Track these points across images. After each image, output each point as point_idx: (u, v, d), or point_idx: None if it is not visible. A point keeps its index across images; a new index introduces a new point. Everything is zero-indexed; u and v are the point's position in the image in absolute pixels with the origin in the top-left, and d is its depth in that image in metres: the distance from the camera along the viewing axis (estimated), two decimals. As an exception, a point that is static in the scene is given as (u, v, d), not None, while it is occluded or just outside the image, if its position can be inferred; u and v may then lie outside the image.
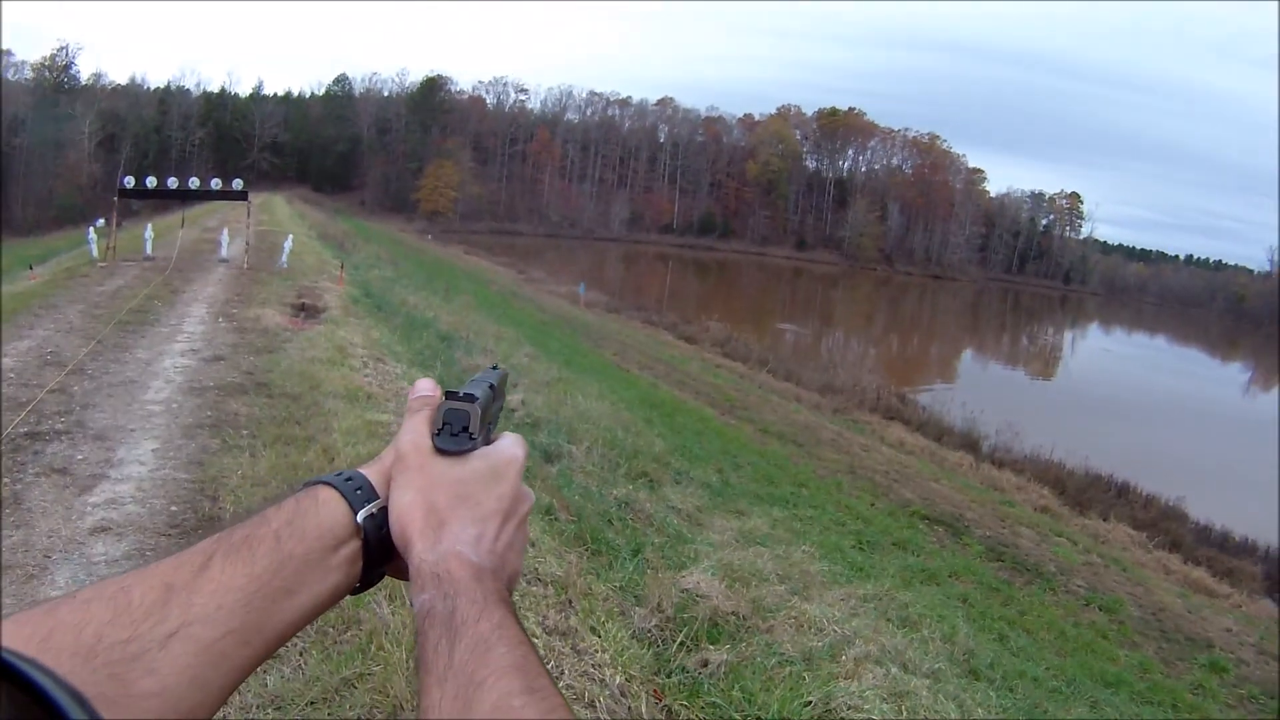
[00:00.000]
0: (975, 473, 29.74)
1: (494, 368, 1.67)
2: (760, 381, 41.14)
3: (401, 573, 1.31)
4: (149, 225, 39.41)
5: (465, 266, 77.38)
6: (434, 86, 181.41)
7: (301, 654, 6.52)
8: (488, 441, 1.41)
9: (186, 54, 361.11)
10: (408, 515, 1.28)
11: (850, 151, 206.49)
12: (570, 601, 8.14)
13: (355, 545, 1.28)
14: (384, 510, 1.31)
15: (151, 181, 38.28)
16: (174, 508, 9.11)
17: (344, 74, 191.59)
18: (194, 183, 38.61)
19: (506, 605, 1.19)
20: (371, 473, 1.35)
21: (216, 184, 38.79)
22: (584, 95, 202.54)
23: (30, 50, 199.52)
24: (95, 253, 35.72)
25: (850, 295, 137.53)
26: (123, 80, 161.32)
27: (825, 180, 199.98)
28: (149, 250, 36.59)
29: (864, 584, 11.81)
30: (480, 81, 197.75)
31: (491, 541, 1.29)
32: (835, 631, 8.81)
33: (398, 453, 1.36)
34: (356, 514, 1.28)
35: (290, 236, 39.25)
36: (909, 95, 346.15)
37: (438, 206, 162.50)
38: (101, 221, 40.86)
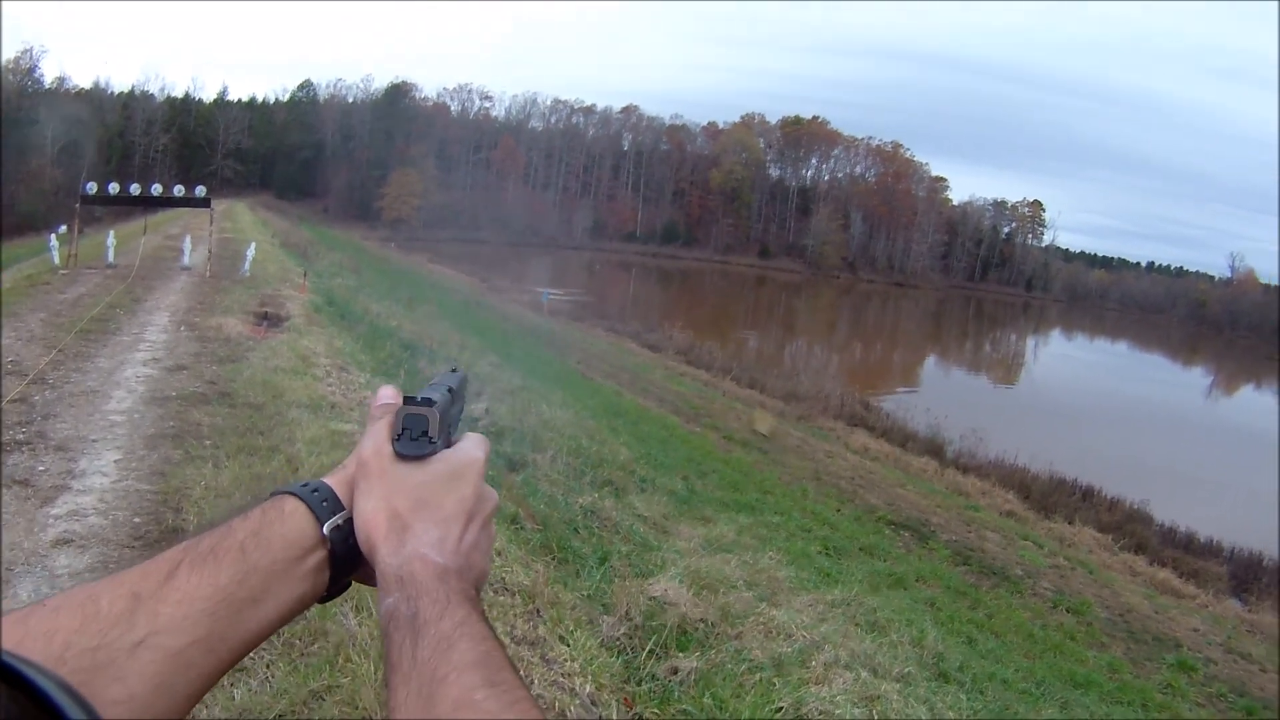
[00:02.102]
0: (940, 478, 29.95)
1: (453, 370, 1.69)
2: (724, 389, 41.30)
3: (369, 579, 1.31)
4: (111, 232, 39.32)
5: (429, 275, 77.40)
6: (399, 93, 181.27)
7: (269, 666, 6.49)
8: (449, 444, 1.42)
9: (150, 57, 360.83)
10: (371, 521, 1.29)
11: (814, 160, 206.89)
12: (538, 610, 8.12)
13: (321, 555, 1.28)
14: (350, 521, 1.31)
15: (114, 188, 38.20)
16: (137, 519, 9.07)
17: (309, 80, 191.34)
18: (156, 189, 38.29)
19: (471, 603, 1.20)
20: (335, 482, 1.35)
21: (179, 191, 38.52)
22: (548, 103, 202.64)
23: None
24: (57, 260, 35.58)
25: (813, 303, 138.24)
26: (86, 84, 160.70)
27: (789, 189, 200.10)
28: (111, 258, 36.46)
29: (832, 589, 11.83)
30: (445, 88, 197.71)
31: (455, 542, 1.29)
32: (804, 637, 8.82)
33: (360, 460, 1.37)
34: (322, 525, 1.29)
35: (253, 244, 39.20)
36: (872, 104, 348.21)
37: (401, 214, 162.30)
38: (63, 228, 40.70)
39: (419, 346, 24.27)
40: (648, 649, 7.91)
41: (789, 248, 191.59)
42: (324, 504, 1.31)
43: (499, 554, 9.27)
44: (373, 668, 6.39)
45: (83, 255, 36.72)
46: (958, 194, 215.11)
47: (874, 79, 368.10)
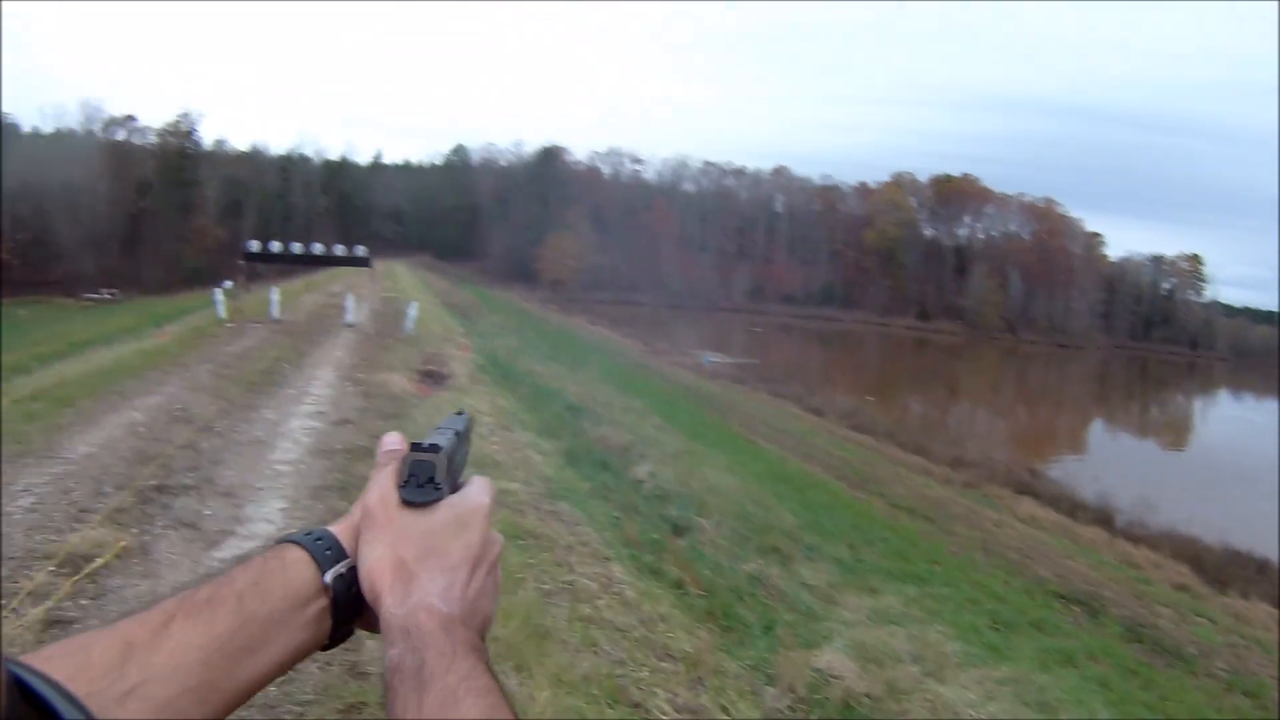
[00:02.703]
0: (1110, 549, 29.25)
1: (459, 413, 1.65)
2: (889, 455, 40.96)
3: (373, 626, 1.30)
4: (274, 289, 40.26)
5: (589, 337, 78.05)
6: (550, 157, 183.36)
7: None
8: (455, 488, 1.41)
9: (305, 123, 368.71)
10: (376, 570, 1.29)
11: (966, 218, 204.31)
12: (700, 679, 8.05)
13: (323, 604, 1.28)
14: (353, 569, 1.31)
15: (276, 246, 39.31)
16: (301, 570, 9.17)
17: (461, 145, 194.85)
18: (318, 248, 39.30)
19: (477, 654, 1.19)
20: (340, 530, 1.36)
21: (340, 250, 39.44)
22: (699, 165, 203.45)
23: (154, 116, 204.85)
24: (223, 313, 36.57)
25: (975, 365, 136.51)
26: (244, 147, 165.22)
27: (943, 248, 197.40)
28: (275, 313, 37.35)
29: (1000, 666, 11.60)
30: (596, 152, 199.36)
31: (461, 590, 1.29)
32: (971, 716, 8.62)
33: (365, 508, 1.36)
34: (324, 574, 1.29)
35: (415, 303, 39.77)
36: (1022, 159, 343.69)
37: (559, 275, 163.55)
38: (229, 284, 41.68)
39: (583, 408, 24.35)
40: (811, 723, 7.77)
41: (947, 309, 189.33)
42: (327, 552, 1.31)
43: (662, 619, 9.21)
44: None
45: (247, 310, 37.70)
46: (1113, 250, 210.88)
47: (1022, 134, 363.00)
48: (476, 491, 1.39)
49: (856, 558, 17.15)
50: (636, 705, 7.20)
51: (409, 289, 67.75)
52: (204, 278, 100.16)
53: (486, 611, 1.32)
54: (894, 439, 46.39)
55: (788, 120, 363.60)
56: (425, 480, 1.33)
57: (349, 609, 1.29)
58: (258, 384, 21.69)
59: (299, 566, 1.26)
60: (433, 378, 23.77)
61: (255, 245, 39.45)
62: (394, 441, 1.42)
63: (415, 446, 1.37)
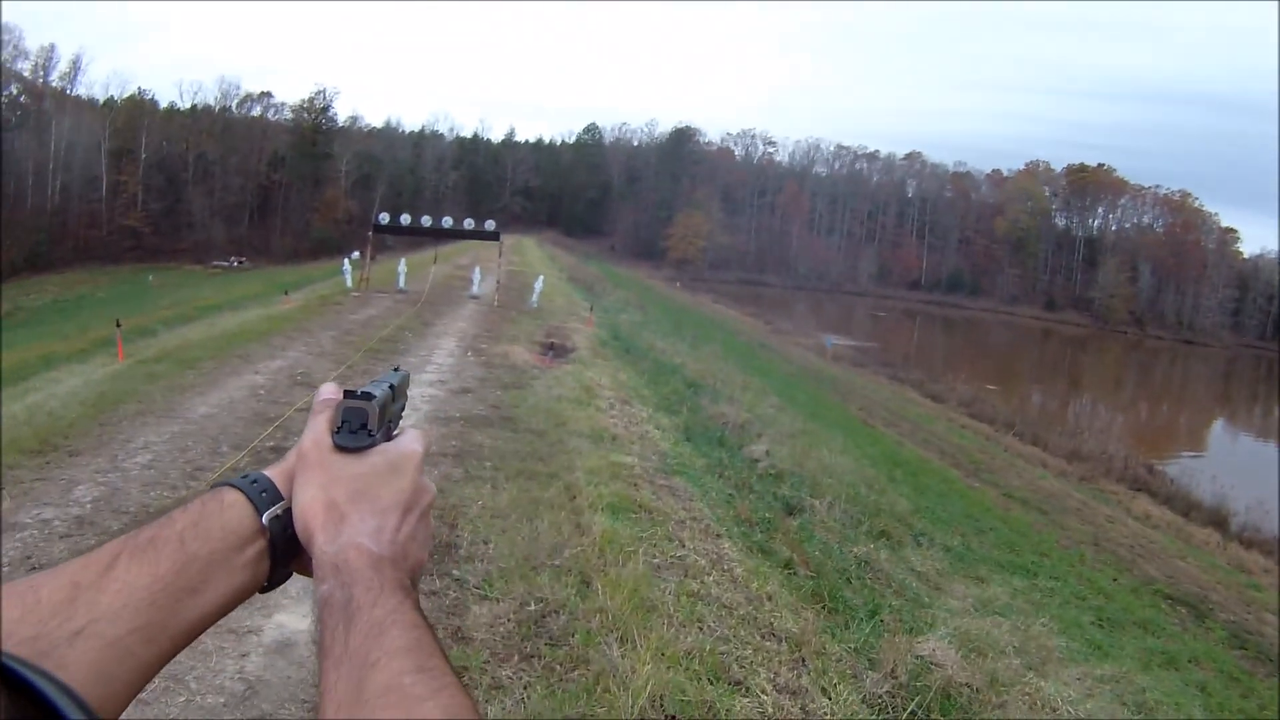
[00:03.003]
0: (1223, 552, 28.68)
1: (395, 369, 1.71)
2: (1006, 444, 40.51)
3: (308, 569, 1.31)
4: (403, 260, 40.70)
5: (712, 315, 77.80)
6: (683, 137, 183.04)
7: (526, 687, 6.57)
8: (389, 438, 1.44)
9: (439, 100, 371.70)
10: (309, 511, 1.30)
11: (1100, 209, 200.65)
12: (803, 660, 8.03)
13: (261, 545, 1.30)
14: (289, 511, 1.33)
15: (406, 218, 39.49)
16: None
17: (594, 123, 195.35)
18: (447, 221, 39.45)
19: (405, 592, 1.22)
20: (275, 474, 1.37)
21: (470, 224, 39.57)
22: (831, 149, 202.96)
23: (290, 93, 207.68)
24: (350, 283, 36.90)
25: (1099, 358, 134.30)
26: (378, 123, 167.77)
27: (1075, 239, 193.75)
28: (401, 283, 37.69)
29: (1102, 664, 11.50)
30: (728, 133, 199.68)
31: (392, 533, 1.30)
32: (1069, 713, 8.57)
33: (300, 451, 1.38)
34: (261, 515, 1.30)
35: (541, 277, 39.97)
36: (1159, 151, 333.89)
37: (686, 255, 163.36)
38: (356, 254, 42.23)
39: (702, 385, 24.30)
40: (909, 710, 7.75)
41: (1075, 300, 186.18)
42: (263, 495, 1.32)
43: (769, 598, 9.22)
44: (631, 701, 6.39)
45: (374, 280, 38.05)
46: (1248, 246, 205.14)
47: (1160, 125, 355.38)
48: (409, 440, 1.43)
49: (966, 546, 17.00)
50: (738, 683, 7.20)
51: (535, 263, 68.06)
52: (332, 248, 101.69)
53: (417, 556, 1.35)
54: (1012, 429, 45.89)
55: (922, 105, 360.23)
56: (358, 427, 1.37)
57: (286, 551, 1.32)
58: (380, 351, 21.91)
59: (236, 508, 1.29)
60: (555, 350, 23.85)
61: (385, 217, 39.70)
62: (329, 391, 1.47)
63: (349, 394, 1.41)
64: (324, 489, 1.31)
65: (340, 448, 1.35)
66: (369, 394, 1.40)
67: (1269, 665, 17.41)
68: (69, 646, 1.05)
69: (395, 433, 1.48)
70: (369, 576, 1.20)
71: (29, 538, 8.80)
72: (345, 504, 1.30)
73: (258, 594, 1.33)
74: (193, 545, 1.21)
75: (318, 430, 1.38)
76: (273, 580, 1.33)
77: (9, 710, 0.86)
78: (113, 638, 1.09)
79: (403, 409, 1.65)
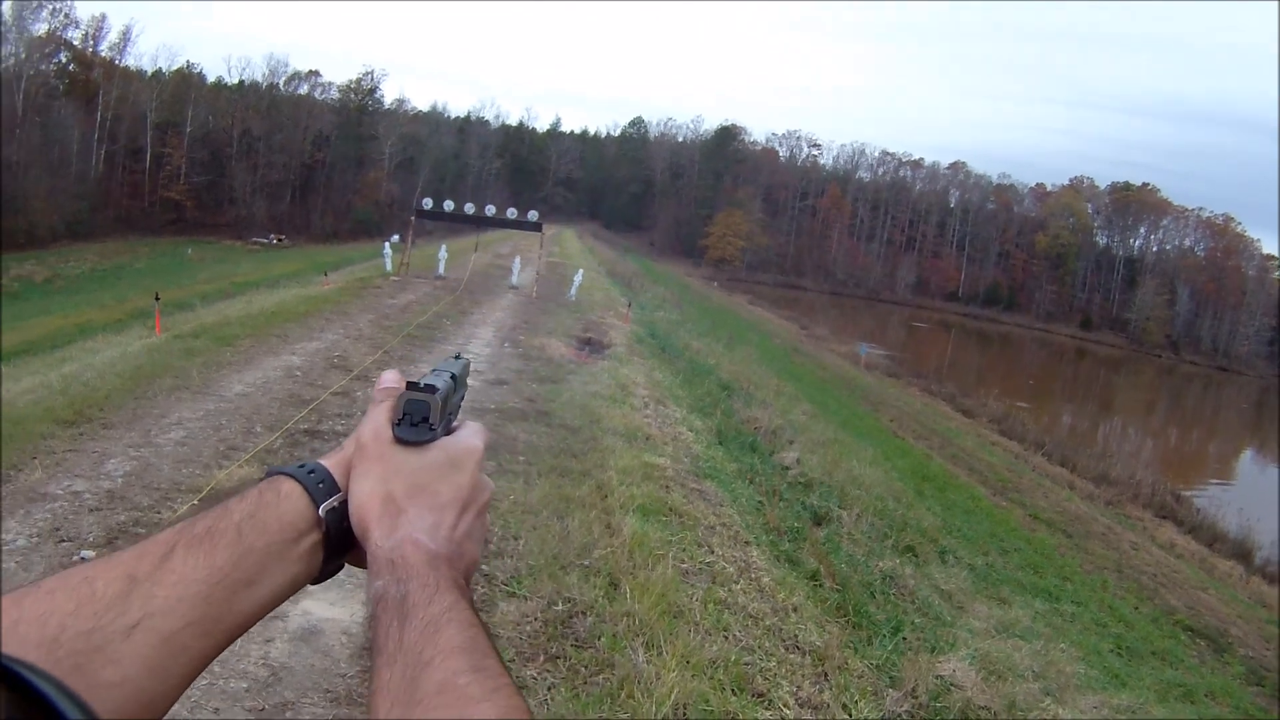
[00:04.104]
0: (1245, 586, 28.55)
1: (456, 357, 1.68)
2: (1035, 464, 40.37)
3: (361, 562, 1.31)
4: (443, 246, 40.66)
5: (748, 316, 77.74)
6: (728, 135, 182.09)
7: (550, 689, 6.60)
8: (449, 431, 1.43)
9: (486, 88, 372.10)
10: (366, 504, 1.30)
11: (1142, 229, 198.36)
12: (826, 675, 8.08)
13: (316, 537, 1.29)
14: (345, 503, 1.32)
15: (449, 205, 39.53)
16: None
17: (640, 117, 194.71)
18: (490, 210, 39.46)
19: (460, 590, 1.20)
20: (332, 464, 1.36)
21: (512, 213, 39.59)
22: (876, 154, 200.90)
23: (337, 73, 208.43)
24: (389, 266, 37.02)
25: (1133, 381, 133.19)
26: (424, 107, 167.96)
27: (1115, 258, 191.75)
28: (441, 270, 37.75)
29: (1120, 693, 11.50)
30: (773, 134, 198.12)
31: (449, 530, 1.30)
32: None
33: (358, 443, 1.37)
34: (318, 507, 1.29)
35: (581, 271, 39.96)
36: (1204, 173, 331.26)
37: (725, 254, 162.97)
38: (396, 238, 42.37)
39: (736, 387, 24.30)
40: (928, 731, 7.77)
41: (1112, 320, 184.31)
42: (320, 485, 1.31)
43: (794, 610, 9.25)
44: (654, 708, 6.42)
45: (414, 265, 38.09)
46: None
47: (1206, 146, 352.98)
48: (469, 435, 1.42)
49: (990, 565, 16.96)
50: (760, 695, 7.22)
51: (575, 256, 68.07)
52: (372, 230, 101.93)
53: (472, 554, 1.34)
54: (1041, 448, 45.73)
55: (969, 115, 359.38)
56: (419, 420, 1.36)
57: (340, 543, 1.31)
58: (417, 337, 21.97)
59: (293, 499, 1.28)
60: (591, 345, 23.89)
61: (428, 203, 39.73)
62: (391, 379, 1.45)
63: (411, 386, 1.40)
64: (382, 482, 1.31)
65: (401, 441, 1.34)
66: (432, 386, 1.40)
67: (1288, 704, 17.38)
68: (124, 640, 1.06)
69: (455, 424, 1.47)
70: (425, 573, 1.19)
71: (59, 509, 8.88)
72: (403, 498, 1.30)
73: (308, 586, 1.34)
74: (249, 537, 1.22)
75: (378, 421, 1.37)
76: (325, 572, 1.34)
77: (9, 710, 0.84)
78: (168, 632, 1.10)
79: (462, 399, 1.63)
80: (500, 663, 1.10)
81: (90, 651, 1.02)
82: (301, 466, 1.33)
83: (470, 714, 1.01)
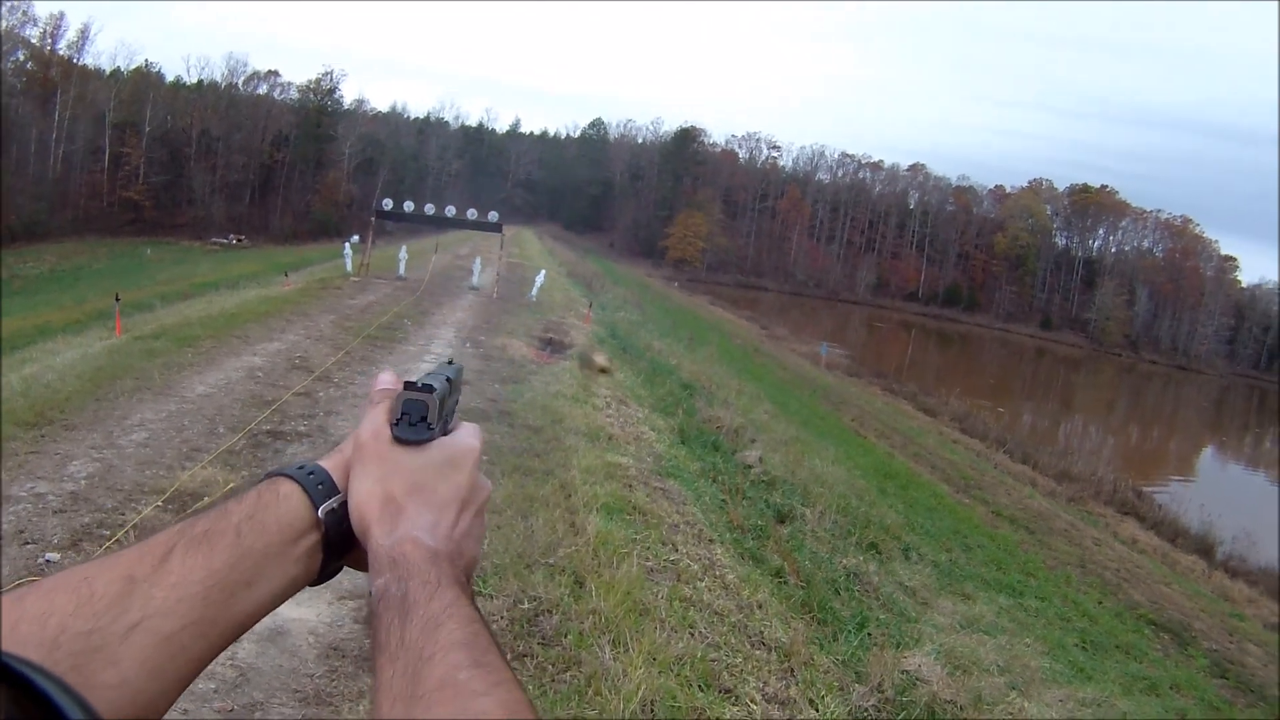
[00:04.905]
0: (1207, 580, 28.77)
1: (449, 362, 1.67)
2: (996, 461, 40.63)
3: (361, 563, 1.31)
4: (404, 247, 40.92)
5: (709, 317, 77.86)
6: (688, 137, 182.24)
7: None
8: (446, 432, 1.42)
9: (445, 88, 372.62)
10: (366, 503, 1.29)
11: (1100, 230, 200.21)
12: (792, 670, 8.09)
13: (315, 539, 1.28)
14: (344, 504, 1.32)
15: (409, 205, 39.63)
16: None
17: (599, 118, 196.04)
18: (450, 211, 39.49)
19: (460, 587, 1.20)
20: (331, 465, 1.35)
21: (472, 214, 39.61)
22: (835, 156, 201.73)
23: (297, 73, 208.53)
24: (350, 267, 37.06)
25: (1092, 379, 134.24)
26: (384, 108, 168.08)
27: (1074, 259, 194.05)
28: (402, 271, 37.85)
29: (1084, 687, 11.56)
30: (733, 135, 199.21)
31: (448, 528, 1.30)
32: (1051, 737, 8.61)
33: (357, 443, 1.36)
34: (317, 508, 1.29)
35: (543, 271, 40.05)
36: (1162, 175, 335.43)
37: (685, 255, 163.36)
38: (356, 238, 42.39)
39: (697, 387, 24.33)
40: (895, 725, 7.80)
41: (1071, 320, 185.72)
42: (319, 487, 1.31)
43: (759, 607, 9.27)
44: (622, 704, 6.42)
45: (374, 266, 38.20)
46: (1247, 275, 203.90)
47: (1164, 150, 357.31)
48: (467, 435, 1.42)
49: (953, 562, 17.00)
50: (727, 691, 7.24)
51: (535, 257, 68.18)
52: (331, 231, 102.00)
53: (472, 553, 1.34)
54: (1003, 446, 46.05)
55: (928, 117, 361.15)
56: (418, 419, 1.36)
57: (339, 544, 1.31)
58: (378, 338, 21.95)
59: (292, 500, 1.28)
60: (552, 346, 23.92)
61: (388, 204, 39.76)
62: (389, 380, 1.45)
63: (409, 385, 1.39)
64: (382, 482, 1.30)
65: (400, 440, 1.34)
66: (430, 386, 1.39)
67: (1249, 695, 17.46)
68: (123, 642, 1.04)
69: (451, 426, 1.46)
70: (425, 571, 1.18)
71: (23, 511, 8.81)
72: (403, 497, 1.29)
73: (307, 587, 1.32)
74: (248, 538, 1.21)
75: (377, 421, 1.37)
76: (324, 574, 1.33)
77: (10, 709, 0.83)
78: (167, 633, 1.09)
79: (457, 402, 1.60)
80: (502, 658, 1.10)
81: (89, 652, 1.02)
82: (301, 468, 1.34)
83: (471, 709, 1.01)
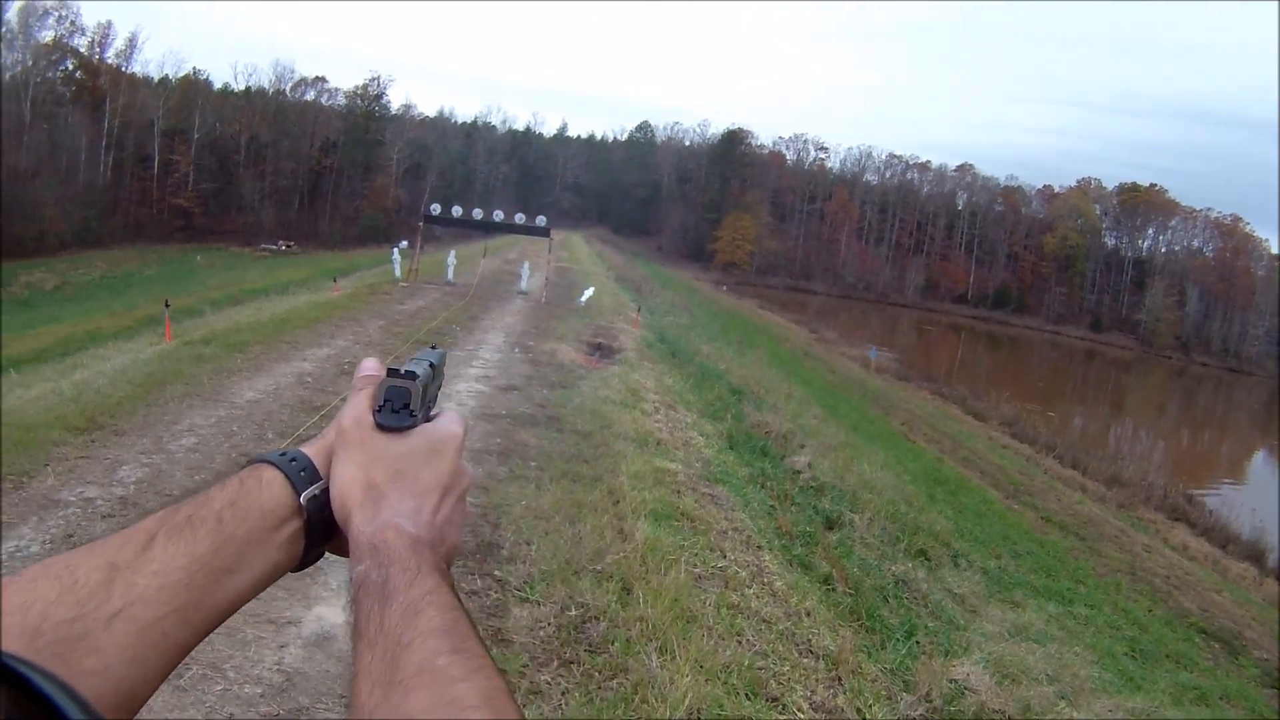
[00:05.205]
0: (1259, 588, 28.40)
1: (433, 347, 1.67)
2: (1046, 466, 40.26)
3: (342, 550, 1.32)
4: (452, 252, 40.94)
5: (758, 320, 77.61)
6: (735, 139, 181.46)
7: (564, 694, 6.59)
8: (428, 419, 1.43)
9: (493, 93, 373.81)
10: (348, 489, 1.30)
11: (1150, 230, 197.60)
12: (840, 679, 8.06)
13: (297, 525, 1.29)
14: (326, 491, 1.32)
15: (457, 210, 39.77)
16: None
17: (646, 121, 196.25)
18: (498, 215, 39.63)
19: (441, 574, 1.21)
20: (314, 451, 1.37)
21: (520, 219, 39.74)
22: (883, 157, 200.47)
23: (344, 79, 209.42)
24: (398, 272, 37.20)
25: (1143, 382, 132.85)
26: (431, 113, 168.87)
27: (1124, 259, 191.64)
28: (450, 276, 37.89)
29: (1134, 696, 11.42)
30: (780, 137, 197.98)
31: (430, 515, 1.30)
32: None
33: (339, 429, 1.38)
34: (299, 494, 1.30)
35: (591, 289, 39.81)
36: (1212, 174, 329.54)
37: (733, 258, 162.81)
38: (405, 244, 42.53)
39: (746, 392, 24.27)
40: (941, 737, 7.76)
41: (1121, 322, 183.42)
42: (301, 474, 1.31)
43: (807, 614, 9.25)
44: (668, 712, 6.42)
45: (423, 271, 38.32)
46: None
47: (1214, 147, 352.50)
48: (449, 422, 1.43)
49: (1002, 569, 16.85)
50: (774, 699, 7.22)
51: (584, 261, 68.30)
52: (380, 236, 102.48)
53: (453, 540, 1.34)
54: (1052, 450, 45.61)
55: (976, 117, 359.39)
56: (400, 406, 1.37)
57: (321, 531, 1.32)
58: (427, 344, 21.92)
59: (274, 487, 1.29)
60: (601, 351, 23.91)
61: (436, 208, 39.89)
62: (371, 367, 1.47)
63: (392, 372, 1.40)
64: (364, 468, 1.32)
65: (382, 427, 1.35)
66: (412, 373, 1.41)
67: (1302, 706, 17.30)
68: (105, 630, 1.06)
69: (434, 413, 1.47)
70: (406, 557, 1.20)
71: (72, 516, 8.93)
72: (384, 484, 1.30)
73: (290, 574, 1.33)
74: (230, 525, 1.22)
75: (359, 408, 1.38)
76: (306, 560, 1.34)
77: (9, 709, 0.85)
78: (149, 620, 1.10)
79: (440, 388, 1.63)
80: (481, 645, 1.11)
81: (72, 640, 1.03)
82: (283, 454, 1.34)
83: (449, 694, 1.01)
